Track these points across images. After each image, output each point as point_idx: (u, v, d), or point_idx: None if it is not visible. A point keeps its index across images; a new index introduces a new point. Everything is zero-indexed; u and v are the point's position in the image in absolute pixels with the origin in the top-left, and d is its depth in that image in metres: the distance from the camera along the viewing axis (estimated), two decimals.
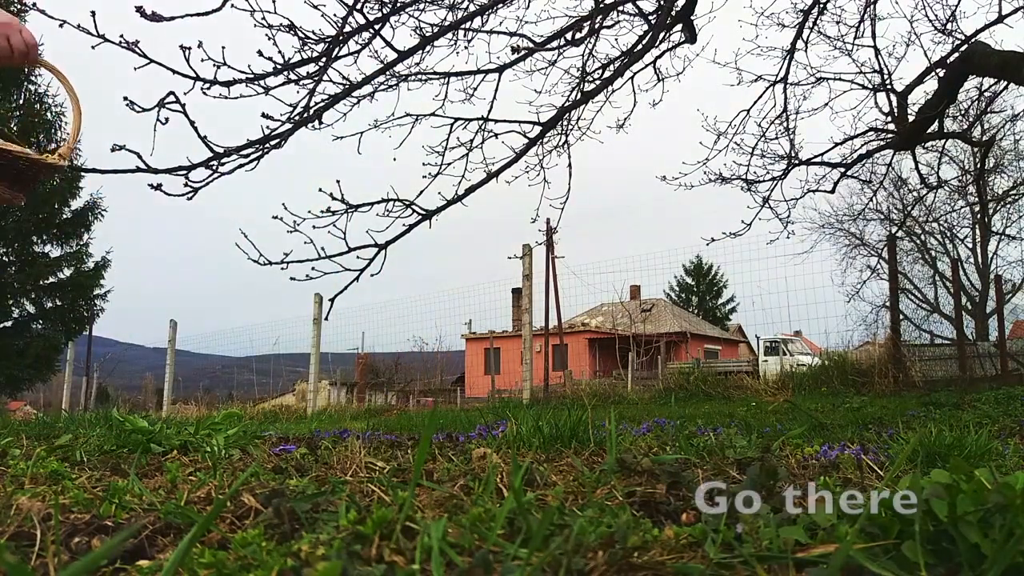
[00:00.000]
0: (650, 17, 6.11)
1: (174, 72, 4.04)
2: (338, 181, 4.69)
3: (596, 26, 6.06)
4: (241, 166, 4.71)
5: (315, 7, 4.70)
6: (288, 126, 4.83)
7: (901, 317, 11.34)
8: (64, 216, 20.46)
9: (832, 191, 8.51)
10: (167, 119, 4.03)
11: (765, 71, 7.90)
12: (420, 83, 5.59)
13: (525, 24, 5.97)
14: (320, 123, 5.05)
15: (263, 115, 4.66)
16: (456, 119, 5.59)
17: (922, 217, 22.51)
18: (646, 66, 6.47)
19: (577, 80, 6.40)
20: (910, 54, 8.56)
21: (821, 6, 7.14)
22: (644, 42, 6.02)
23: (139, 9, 3.32)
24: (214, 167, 4.58)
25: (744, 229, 7.44)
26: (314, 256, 4.68)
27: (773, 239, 8.21)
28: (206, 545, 0.77)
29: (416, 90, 5.62)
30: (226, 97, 4.50)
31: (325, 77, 4.94)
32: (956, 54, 6.90)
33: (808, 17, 7.16)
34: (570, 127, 6.42)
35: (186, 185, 4.54)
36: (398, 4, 5.13)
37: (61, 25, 3.72)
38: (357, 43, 5.13)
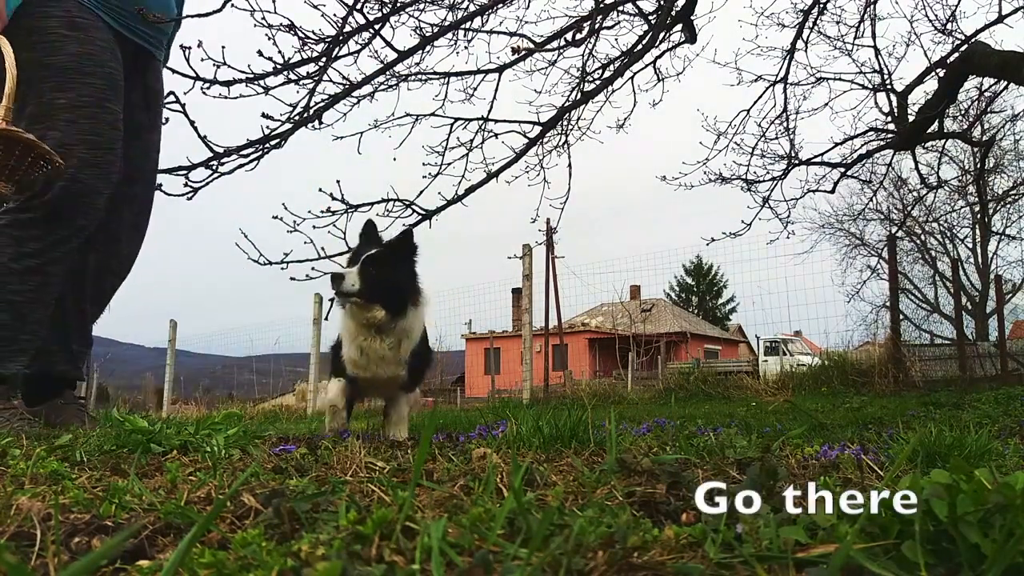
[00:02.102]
0: (650, 17, 6.11)
1: (174, 72, 4.04)
2: (338, 181, 4.70)
3: (596, 26, 6.06)
4: (241, 166, 4.71)
5: (315, 7, 4.70)
6: (288, 126, 4.83)
7: (901, 317, 11.34)
8: None
9: (832, 191, 8.52)
10: (167, 119, 4.02)
11: (765, 71, 7.91)
12: (420, 83, 5.59)
13: (525, 24, 5.98)
14: (320, 123, 5.05)
15: (263, 115, 4.66)
16: (456, 119, 5.59)
17: (922, 217, 22.50)
18: (646, 66, 6.48)
19: (577, 80, 6.41)
20: (910, 54, 8.59)
21: (821, 6, 7.15)
22: (644, 42, 6.02)
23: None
24: (214, 167, 4.58)
25: (744, 229, 7.45)
26: (314, 256, 4.68)
27: (773, 239, 8.23)
28: (206, 545, 0.77)
29: (416, 90, 5.63)
30: (226, 97, 4.50)
31: (325, 77, 4.93)
32: (956, 54, 6.90)
33: (808, 17, 7.16)
34: (570, 127, 6.43)
35: (186, 185, 4.54)
36: (398, 4, 5.13)
37: None
38: (357, 43, 5.13)
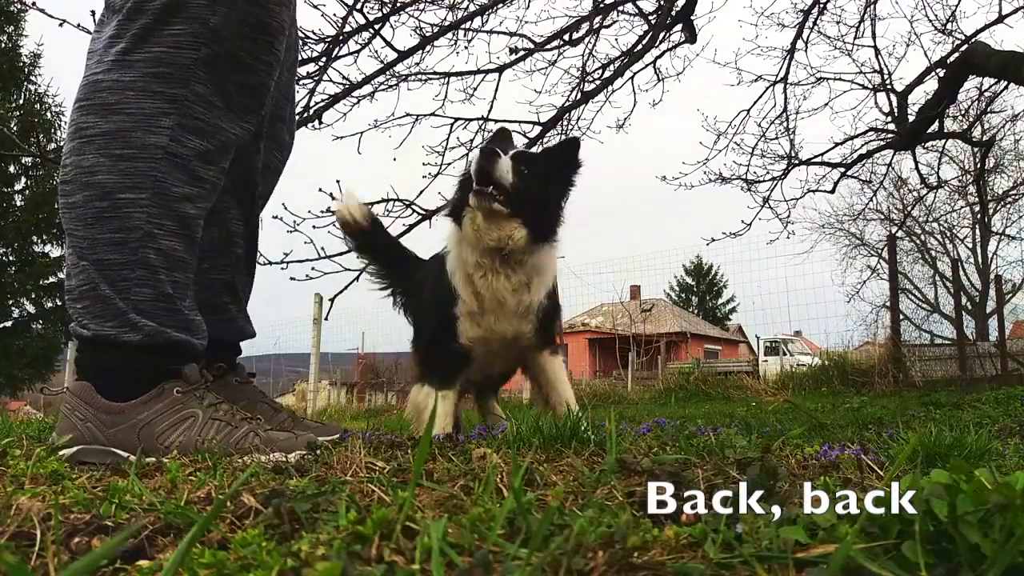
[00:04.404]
0: (650, 17, 6.11)
1: None
2: (338, 180, 4.70)
3: (595, 27, 6.06)
4: None
5: (315, 7, 4.70)
6: None
7: (901, 317, 11.34)
8: None
9: (832, 191, 8.52)
10: None
11: (765, 71, 7.92)
12: (420, 83, 5.60)
13: (525, 24, 5.98)
14: (320, 123, 5.05)
15: None
16: (456, 119, 5.59)
17: (922, 217, 22.48)
18: (646, 66, 6.48)
19: (577, 80, 6.41)
20: (910, 54, 8.60)
21: (821, 6, 7.15)
22: (644, 42, 6.02)
23: None
24: None
25: (744, 229, 7.45)
26: (314, 256, 4.68)
27: (773, 239, 8.24)
28: (206, 545, 0.77)
29: (416, 90, 5.64)
30: None
31: (325, 77, 4.94)
32: (956, 54, 6.90)
33: (808, 17, 7.16)
34: (570, 127, 6.43)
35: None
36: (398, 4, 5.12)
37: (61, 24, 3.73)
38: (357, 43, 5.13)
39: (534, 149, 2.13)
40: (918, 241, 27.42)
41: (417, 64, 5.54)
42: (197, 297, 1.80)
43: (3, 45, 19.87)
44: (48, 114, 20.07)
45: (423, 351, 2.24)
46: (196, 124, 1.67)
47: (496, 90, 5.80)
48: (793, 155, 7.72)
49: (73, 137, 1.67)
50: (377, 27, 5.03)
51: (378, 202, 5.03)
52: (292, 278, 4.75)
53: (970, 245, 27.81)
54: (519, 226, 1.97)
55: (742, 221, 7.45)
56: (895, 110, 7.58)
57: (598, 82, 6.20)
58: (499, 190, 1.94)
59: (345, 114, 5.27)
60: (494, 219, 1.97)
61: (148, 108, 1.63)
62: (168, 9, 1.62)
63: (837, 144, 8.00)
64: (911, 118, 7.37)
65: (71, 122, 1.69)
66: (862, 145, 8.12)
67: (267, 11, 1.71)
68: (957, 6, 6.97)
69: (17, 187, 20.46)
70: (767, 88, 7.48)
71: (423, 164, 5.50)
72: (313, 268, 4.68)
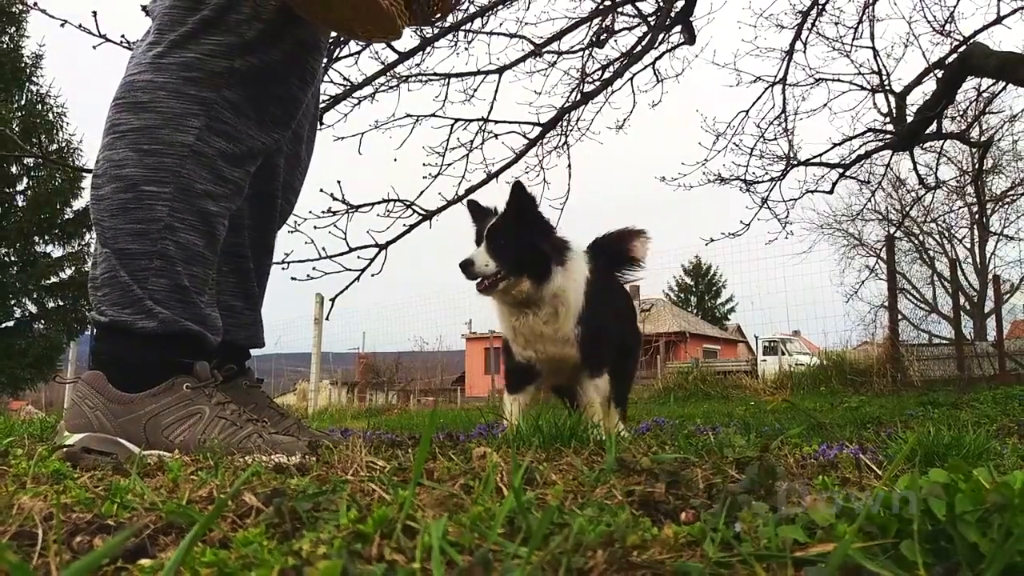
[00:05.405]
0: (649, 19, 6.11)
1: None
2: (339, 181, 4.70)
3: (598, 38, 6.05)
4: None
5: None
6: None
7: (899, 317, 11.33)
8: (66, 216, 20.50)
9: (831, 191, 8.49)
10: None
11: (764, 72, 7.89)
12: (421, 84, 5.60)
13: (525, 26, 5.98)
14: (321, 124, 5.04)
15: None
16: (456, 120, 5.59)
17: (920, 217, 22.48)
18: (645, 67, 6.48)
19: (577, 81, 6.41)
20: (908, 55, 8.55)
21: (820, 7, 7.15)
22: (643, 43, 6.02)
23: (144, 8, 3.32)
24: None
25: (743, 229, 7.44)
26: (315, 256, 4.68)
27: (772, 239, 8.21)
28: (207, 544, 0.77)
29: (417, 91, 5.63)
30: None
31: (326, 78, 4.93)
32: (954, 55, 6.91)
33: (807, 18, 7.16)
34: (570, 128, 6.42)
35: None
36: None
37: (62, 25, 3.72)
38: (358, 44, 5.13)
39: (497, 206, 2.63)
40: (916, 241, 27.43)
41: (418, 65, 5.55)
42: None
43: (5, 46, 19.87)
44: (50, 115, 20.08)
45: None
46: (223, 127, 1.72)
47: (496, 91, 5.80)
48: (792, 156, 7.72)
49: (107, 133, 1.72)
50: None
51: (379, 202, 5.04)
52: (293, 278, 4.75)
53: (968, 245, 27.87)
54: (523, 279, 2.41)
55: (741, 221, 7.44)
56: (893, 111, 7.58)
57: (598, 83, 6.20)
58: (490, 277, 2.41)
59: (346, 115, 5.28)
60: (504, 289, 2.43)
61: (178, 108, 1.68)
62: (207, 21, 1.69)
63: (836, 145, 7.99)
64: (909, 119, 7.37)
65: (106, 119, 1.74)
66: (860, 146, 8.11)
67: (304, 28, 1.75)
68: (955, 7, 6.99)
69: (19, 188, 20.46)
70: (766, 89, 7.48)
71: (423, 165, 5.51)
72: (314, 268, 4.68)
